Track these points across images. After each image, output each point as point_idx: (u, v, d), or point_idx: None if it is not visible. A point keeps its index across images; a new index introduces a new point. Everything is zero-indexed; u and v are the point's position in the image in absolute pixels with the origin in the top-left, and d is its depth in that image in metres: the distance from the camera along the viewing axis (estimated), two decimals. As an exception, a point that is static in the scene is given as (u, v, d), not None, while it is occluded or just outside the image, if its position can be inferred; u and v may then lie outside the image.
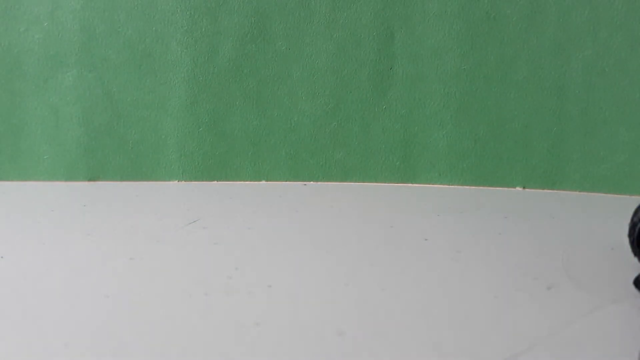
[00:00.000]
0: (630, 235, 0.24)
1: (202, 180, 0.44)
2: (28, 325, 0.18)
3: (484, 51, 0.43)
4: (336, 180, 0.44)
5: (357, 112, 0.44)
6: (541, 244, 0.28)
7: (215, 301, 0.19)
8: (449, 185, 0.44)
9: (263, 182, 0.44)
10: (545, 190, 0.43)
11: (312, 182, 0.44)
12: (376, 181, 0.44)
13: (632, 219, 0.24)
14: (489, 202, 0.38)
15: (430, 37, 0.43)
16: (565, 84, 0.43)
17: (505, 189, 0.43)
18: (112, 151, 0.45)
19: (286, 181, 0.44)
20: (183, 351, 0.17)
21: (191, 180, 0.44)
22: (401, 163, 0.44)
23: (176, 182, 0.44)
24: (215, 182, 0.44)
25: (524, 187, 0.43)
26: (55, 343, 0.17)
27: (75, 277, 0.23)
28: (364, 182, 0.44)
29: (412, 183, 0.44)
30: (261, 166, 0.44)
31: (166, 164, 0.45)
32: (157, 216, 0.33)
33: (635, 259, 0.23)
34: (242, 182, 0.44)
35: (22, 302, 0.21)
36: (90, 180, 0.45)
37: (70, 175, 0.45)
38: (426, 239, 0.29)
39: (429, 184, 0.44)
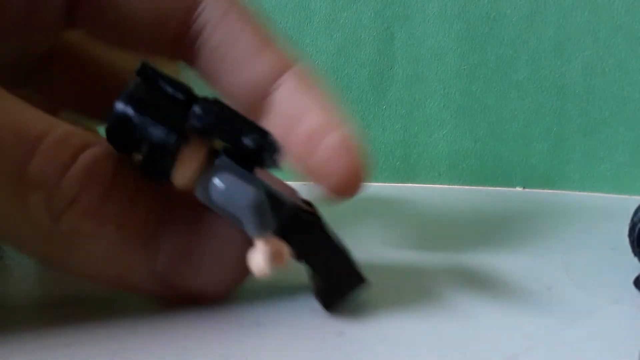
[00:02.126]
0: (630, 235, 0.24)
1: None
2: (28, 325, 0.18)
3: (484, 51, 0.43)
4: (336, 181, 0.44)
5: (357, 112, 0.44)
6: (541, 244, 0.28)
7: (216, 301, 0.19)
8: (449, 185, 0.44)
9: (263, 182, 0.44)
10: (545, 190, 0.43)
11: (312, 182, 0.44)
12: (376, 181, 0.44)
13: (632, 219, 0.24)
14: (489, 202, 0.38)
15: (430, 37, 0.43)
16: (565, 84, 0.43)
17: (505, 189, 0.43)
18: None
19: (286, 181, 0.44)
20: (184, 351, 0.17)
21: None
22: (401, 163, 0.44)
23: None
24: (215, 182, 0.44)
25: (524, 187, 0.43)
26: (55, 343, 0.17)
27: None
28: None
29: (412, 183, 0.44)
30: (261, 166, 0.44)
31: (166, 164, 0.45)
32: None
33: (635, 259, 0.23)
34: (242, 182, 0.44)
35: (22, 301, 0.21)
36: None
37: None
38: (426, 239, 0.29)
39: (429, 184, 0.44)
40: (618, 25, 0.41)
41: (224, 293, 0.19)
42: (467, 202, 0.38)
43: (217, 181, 0.17)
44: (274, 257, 0.17)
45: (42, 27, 0.23)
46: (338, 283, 0.19)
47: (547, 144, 0.43)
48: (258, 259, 0.17)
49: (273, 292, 0.21)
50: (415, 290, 0.21)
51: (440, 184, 0.44)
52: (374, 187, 0.43)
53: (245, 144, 0.18)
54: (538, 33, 0.42)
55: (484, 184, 0.43)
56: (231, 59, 0.22)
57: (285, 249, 0.17)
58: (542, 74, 0.43)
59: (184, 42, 0.23)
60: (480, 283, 0.22)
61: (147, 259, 0.18)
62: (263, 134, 0.18)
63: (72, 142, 0.17)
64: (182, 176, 0.17)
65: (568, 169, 0.43)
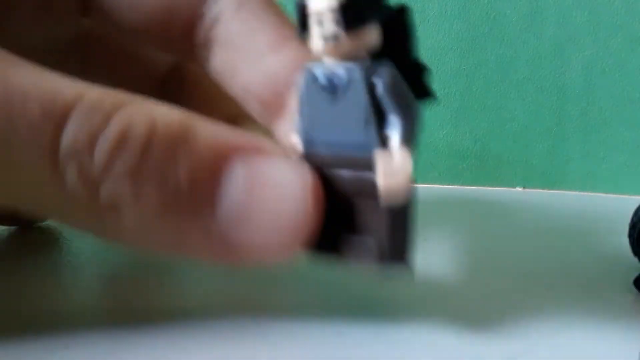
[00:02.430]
0: (630, 235, 0.24)
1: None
2: (27, 326, 0.18)
3: (484, 51, 0.43)
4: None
5: (357, 112, 0.44)
6: (541, 244, 0.28)
7: (217, 302, 0.19)
8: (449, 185, 0.44)
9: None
10: (545, 190, 0.43)
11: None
12: (376, 181, 0.44)
13: (632, 219, 0.24)
14: (489, 202, 0.38)
15: (430, 37, 0.43)
16: (565, 84, 0.43)
17: (505, 189, 0.43)
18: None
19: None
20: (184, 352, 0.17)
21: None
22: (401, 163, 0.44)
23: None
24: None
25: (524, 187, 0.43)
26: (54, 344, 0.17)
27: (75, 277, 0.23)
28: (364, 182, 0.44)
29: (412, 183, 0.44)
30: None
31: (166, 164, 0.45)
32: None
33: (635, 259, 0.23)
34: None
35: (21, 303, 0.21)
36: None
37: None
38: (425, 239, 0.29)
39: (429, 184, 0.44)
40: (618, 25, 0.41)
41: (286, 254, 0.17)
42: (467, 202, 0.38)
43: (394, 72, 0.17)
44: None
45: (60, 13, 0.22)
46: (394, 247, 0.17)
47: (547, 144, 0.43)
48: (404, 166, 0.16)
49: (273, 292, 0.21)
50: (414, 290, 0.21)
51: (440, 184, 0.44)
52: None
53: (418, 61, 0.18)
54: (538, 33, 0.42)
55: (484, 184, 0.43)
56: (247, 54, 0.21)
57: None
58: (542, 74, 0.43)
59: (196, 33, 0.22)
60: (480, 283, 0.22)
61: (199, 220, 0.17)
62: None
63: (104, 106, 0.16)
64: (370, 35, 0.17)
65: (568, 169, 0.43)
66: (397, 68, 0.17)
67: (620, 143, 0.42)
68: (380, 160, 0.16)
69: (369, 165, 0.17)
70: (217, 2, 0.21)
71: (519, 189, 0.43)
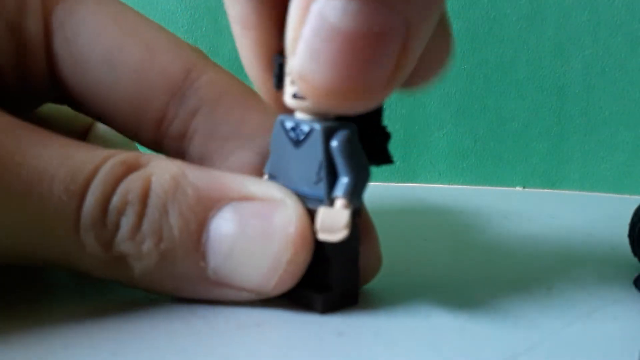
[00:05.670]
0: (630, 235, 0.24)
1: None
2: (27, 325, 0.18)
3: (484, 51, 0.43)
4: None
5: (357, 112, 0.44)
6: (541, 244, 0.28)
7: (217, 302, 0.19)
8: (449, 185, 0.44)
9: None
10: (545, 190, 0.43)
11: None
12: (376, 181, 0.44)
13: (632, 219, 0.24)
14: (489, 202, 0.38)
15: (430, 37, 0.43)
16: (565, 84, 0.43)
17: (505, 189, 0.43)
18: (112, 151, 0.45)
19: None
20: (183, 352, 0.17)
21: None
22: (401, 163, 0.44)
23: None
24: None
25: (524, 187, 0.43)
26: (54, 344, 0.17)
27: (75, 276, 0.23)
28: (364, 182, 0.44)
29: (412, 183, 0.44)
30: (261, 166, 0.44)
31: (166, 164, 0.44)
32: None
33: (635, 259, 0.23)
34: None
35: (21, 302, 0.21)
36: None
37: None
38: (426, 239, 0.29)
39: (429, 184, 0.44)
40: (618, 25, 0.41)
41: (272, 291, 0.19)
42: (467, 202, 0.38)
43: (351, 135, 0.18)
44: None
45: (32, 93, 0.23)
46: (340, 293, 0.19)
47: (547, 144, 0.43)
48: (340, 220, 0.17)
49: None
50: (415, 290, 0.21)
51: (440, 183, 0.44)
52: (374, 187, 0.43)
53: (380, 130, 0.19)
54: (538, 33, 0.42)
55: (483, 183, 0.43)
56: (237, 139, 0.22)
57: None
58: (542, 74, 0.43)
59: (169, 127, 0.22)
60: (480, 283, 0.22)
61: (197, 266, 0.18)
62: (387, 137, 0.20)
63: (115, 173, 0.18)
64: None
65: (568, 169, 0.43)
66: (363, 132, 0.19)
67: (620, 143, 0.42)
68: (320, 215, 0.18)
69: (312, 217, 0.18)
70: (191, 97, 0.22)
71: (519, 189, 0.43)
